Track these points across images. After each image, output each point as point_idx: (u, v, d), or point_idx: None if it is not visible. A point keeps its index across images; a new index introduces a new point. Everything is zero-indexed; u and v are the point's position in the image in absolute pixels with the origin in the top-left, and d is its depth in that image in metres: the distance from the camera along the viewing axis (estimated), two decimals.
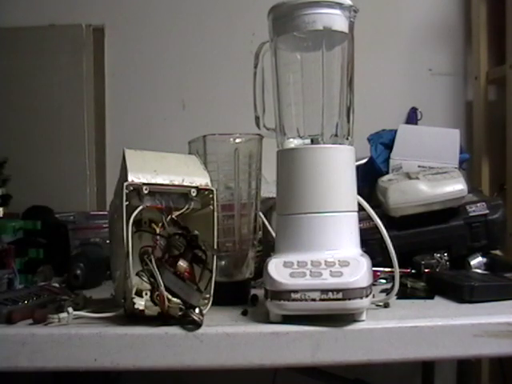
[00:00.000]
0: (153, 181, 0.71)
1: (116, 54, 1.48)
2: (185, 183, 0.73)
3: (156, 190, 0.71)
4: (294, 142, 0.78)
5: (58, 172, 1.43)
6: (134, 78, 1.48)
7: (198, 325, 0.67)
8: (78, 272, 0.96)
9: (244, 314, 0.74)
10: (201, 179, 0.74)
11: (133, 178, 0.70)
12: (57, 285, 0.92)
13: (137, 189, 0.70)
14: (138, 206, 0.69)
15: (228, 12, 1.47)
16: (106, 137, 1.47)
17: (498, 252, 1.03)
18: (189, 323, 0.67)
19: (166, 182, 0.72)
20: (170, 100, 1.48)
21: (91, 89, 1.46)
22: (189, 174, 0.74)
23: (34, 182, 1.40)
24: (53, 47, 1.45)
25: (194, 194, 0.73)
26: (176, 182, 0.72)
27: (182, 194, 0.73)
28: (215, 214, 0.74)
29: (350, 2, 0.75)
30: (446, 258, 0.98)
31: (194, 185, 0.73)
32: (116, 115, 1.48)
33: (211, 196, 0.74)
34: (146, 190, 0.70)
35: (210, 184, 0.74)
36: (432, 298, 0.82)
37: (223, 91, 1.45)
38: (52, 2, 1.47)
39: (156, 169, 0.72)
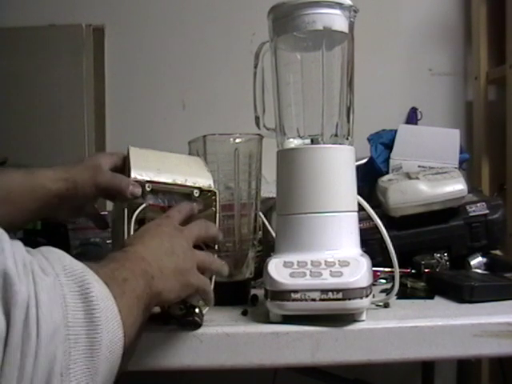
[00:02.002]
0: (156, 179, 0.70)
1: (116, 54, 1.48)
2: (188, 183, 0.72)
3: (159, 189, 0.71)
4: (294, 142, 0.78)
5: None
6: (133, 78, 1.48)
7: (198, 325, 0.67)
8: None
9: (244, 314, 0.74)
10: (204, 180, 0.74)
11: (136, 175, 0.70)
12: None
13: (140, 186, 0.70)
14: (141, 204, 0.69)
15: (228, 12, 1.47)
16: (106, 137, 1.47)
17: (498, 252, 1.03)
18: (189, 323, 0.67)
19: (169, 180, 0.71)
20: (170, 100, 1.47)
21: (91, 89, 1.46)
22: (192, 174, 0.74)
23: None
24: (53, 47, 1.44)
25: (196, 195, 0.72)
26: (179, 182, 0.72)
27: (184, 194, 0.72)
28: (217, 215, 0.73)
29: (350, 2, 0.75)
30: (445, 257, 0.98)
31: (196, 185, 0.73)
32: (116, 115, 1.48)
33: (214, 198, 0.73)
34: (148, 187, 0.70)
35: (213, 185, 0.74)
36: (432, 298, 0.82)
37: (223, 91, 1.45)
38: (52, 2, 1.47)
39: (159, 167, 0.72)
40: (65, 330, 0.42)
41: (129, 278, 0.52)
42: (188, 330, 0.66)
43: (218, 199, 0.73)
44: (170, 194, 0.72)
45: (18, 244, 0.44)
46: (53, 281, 0.43)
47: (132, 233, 0.68)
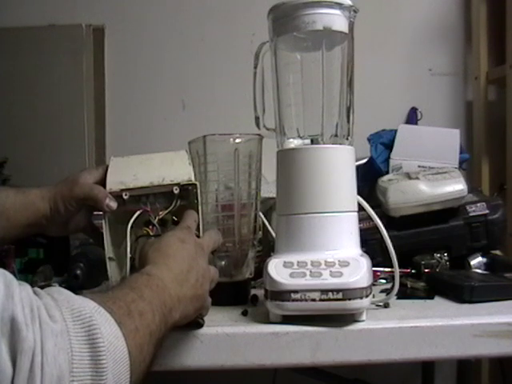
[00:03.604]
0: (132, 185, 0.72)
1: (116, 54, 1.48)
2: (165, 182, 0.73)
3: (138, 194, 0.72)
4: (293, 142, 0.78)
5: (58, 172, 1.42)
6: (133, 78, 1.48)
7: (200, 325, 0.67)
8: (78, 272, 0.95)
9: (244, 314, 0.74)
10: (183, 175, 0.74)
11: (111, 186, 0.72)
12: (57, 285, 0.91)
13: (118, 195, 0.71)
14: (124, 212, 0.71)
15: (228, 12, 1.47)
16: (106, 137, 1.47)
17: (498, 252, 1.03)
18: (191, 323, 0.66)
19: (146, 184, 0.72)
20: (170, 100, 1.47)
21: (91, 89, 1.46)
22: (171, 171, 0.74)
23: (34, 182, 1.40)
24: (53, 47, 1.44)
25: (176, 192, 0.73)
26: (156, 183, 0.73)
27: (166, 193, 0.73)
28: (200, 208, 0.74)
29: (350, 2, 0.75)
30: (445, 257, 0.97)
31: (175, 182, 0.73)
32: (116, 115, 1.48)
33: (195, 191, 0.73)
34: (125, 195, 0.71)
35: (193, 178, 0.74)
36: (432, 297, 0.82)
37: (223, 91, 1.45)
38: (52, 2, 1.47)
39: (136, 173, 0.73)
40: (70, 376, 0.42)
41: (145, 312, 0.52)
42: (188, 330, 0.66)
43: (198, 191, 0.74)
44: (153, 196, 0.73)
45: (26, 288, 0.45)
46: (59, 327, 0.43)
47: (129, 239, 0.69)
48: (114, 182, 0.72)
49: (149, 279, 0.57)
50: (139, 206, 0.72)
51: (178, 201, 0.73)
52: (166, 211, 0.72)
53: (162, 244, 0.63)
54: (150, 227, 0.71)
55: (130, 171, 0.74)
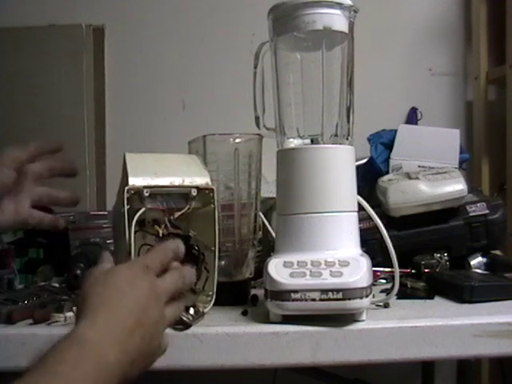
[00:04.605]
0: (153, 183, 0.71)
1: (116, 54, 1.48)
2: (185, 183, 0.73)
3: (157, 192, 0.72)
4: (294, 142, 0.78)
5: None
6: (133, 78, 1.48)
7: (187, 325, 0.67)
8: (78, 272, 0.96)
9: (244, 314, 0.74)
10: (201, 179, 0.74)
11: (133, 181, 0.71)
12: (57, 285, 0.92)
13: (138, 192, 0.70)
14: (140, 209, 0.70)
15: (228, 12, 1.47)
16: (106, 137, 1.47)
17: (498, 252, 1.03)
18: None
19: (167, 183, 0.72)
20: (170, 100, 1.47)
21: (91, 89, 1.45)
22: (189, 174, 0.75)
23: None
24: (53, 47, 1.44)
25: (194, 194, 0.73)
26: (176, 183, 0.73)
27: (182, 194, 0.73)
28: (216, 212, 0.74)
29: (350, 2, 0.75)
30: (445, 257, 0.97)
31: (194, 185, 0.73)
32: (116, 115, 1.48)
33: (211, 195, 0.74)
34: (146, 192, 0.71)
35: (210, 183, 0.74)
36: (432, 297, 0.82)
37: (223, 91, 1.45)
38: (52, 2, 1.47)
39: (156, 171, 0.73)
40: None
41: None
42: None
43: (215, 196, 0.74)
44: (168, 196, 0.72)
45: None
46: None
47: (133, 237, 0.68)
48: (136, 179, 0.71)
49: (81, 350, 0.48)
50: (156, 205, 0.72)
51: (192, 203, 0.73)
52: (180, 213, 0.72)
53: (107, 286, 0.55)
54: (163, 226, 0.71)
55: (150, 169, 0.73)
